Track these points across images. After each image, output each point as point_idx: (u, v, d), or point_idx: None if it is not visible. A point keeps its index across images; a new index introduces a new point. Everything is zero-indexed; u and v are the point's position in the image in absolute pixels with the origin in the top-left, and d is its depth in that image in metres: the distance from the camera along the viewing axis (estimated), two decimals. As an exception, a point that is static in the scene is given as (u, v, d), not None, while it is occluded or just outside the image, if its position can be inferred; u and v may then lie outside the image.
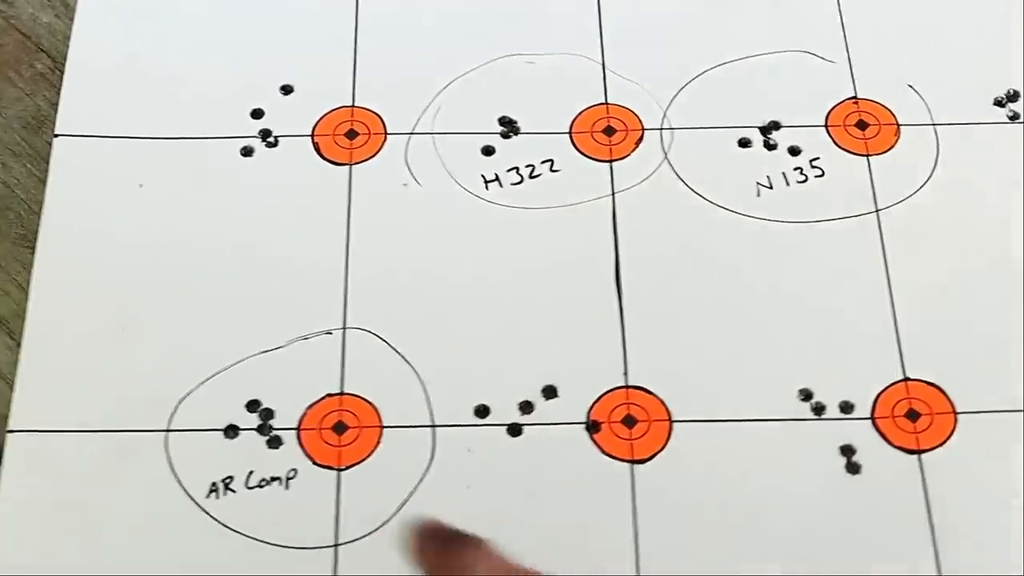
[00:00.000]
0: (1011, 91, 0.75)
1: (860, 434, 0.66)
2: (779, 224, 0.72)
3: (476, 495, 0.64)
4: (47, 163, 0.73)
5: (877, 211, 0.72)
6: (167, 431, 0.66)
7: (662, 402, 0.67)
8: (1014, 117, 0.75)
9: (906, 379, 0.67)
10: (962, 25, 0.78)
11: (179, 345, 0.68)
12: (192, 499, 0.64)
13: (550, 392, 0.67)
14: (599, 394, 0.67)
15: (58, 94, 0.75)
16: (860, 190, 0.73)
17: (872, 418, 0.66)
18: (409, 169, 0.73)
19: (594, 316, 0.69)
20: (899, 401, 0.67)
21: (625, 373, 0.67)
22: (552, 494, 0.65)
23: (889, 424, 0.66)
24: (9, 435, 0.65)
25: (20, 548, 0.63)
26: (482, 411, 0.66)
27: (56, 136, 0.73)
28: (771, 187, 0.73)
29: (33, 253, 0.70)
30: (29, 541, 0.63)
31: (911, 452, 0.66)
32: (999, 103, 0.75)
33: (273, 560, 0.63)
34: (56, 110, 0.74)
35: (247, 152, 0.73)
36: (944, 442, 0.66)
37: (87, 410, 0.66)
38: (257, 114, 0.74)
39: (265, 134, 0.74)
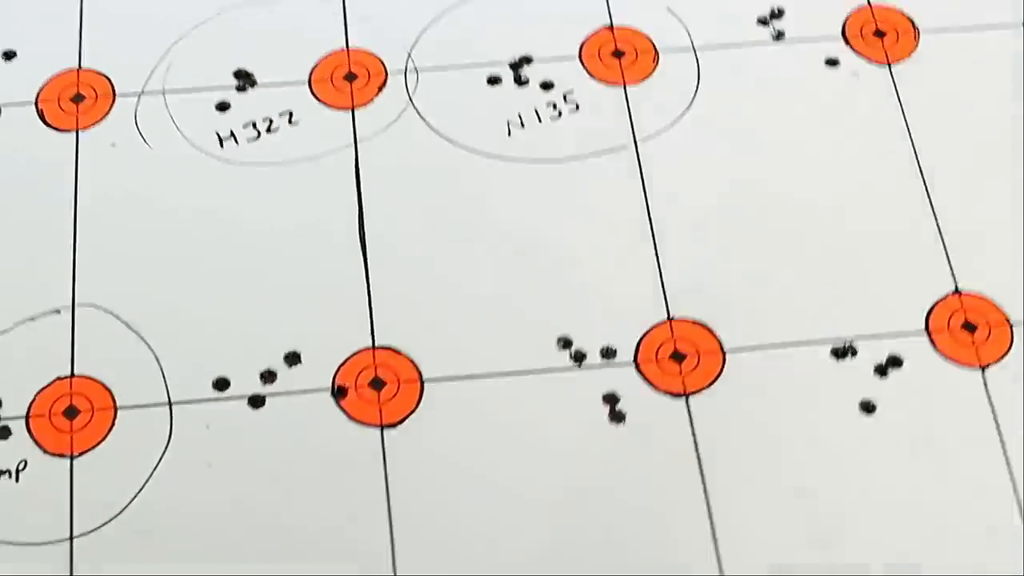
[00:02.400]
0: (775, 8, 0.72)
1: (624, 381, 0.63)
2: (532, 164, 0.68)
3: (218, 474, 0.61)
4: None
5: (635, 143, 0.69)
6: None
7: (412, 361, 0.63)
8: (779, 36, 0.72)
9: (670, 319, 0.64)
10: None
11: None
12: (-91, 502, 0.60)
13: (293, 359, 0.63)
14: (345, 357, 0.63)
15: None
16: (617, 123, 0.70)
17: (636, 363, 0.63)
18: (139, 131, 0.69)
19: (339, 273, 0.66)
20: (663, 343, 0.64)
21: (372, 332, 0.64)
22: (299, 467, 0.61)
23: (653, 368, 0.63)
24: None
25: None
26: (221, 384, 0.63)
27: None
28: (523, 125, 0.70)
29: None
30: None
31: (677, 396, 0.63)
32: (763, 21, 0.72)
33: (5, 558, 0.59)
34: None
35: (-35, 123, 0.69)
36: (712, 383, 0.63)
37: None
38: (-24, 82, 0.71)
39: (-15, 103, 0.70)
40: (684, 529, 0.60)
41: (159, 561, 0.59)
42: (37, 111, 0.70)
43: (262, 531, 0.59)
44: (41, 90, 0.70)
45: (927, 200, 0.68)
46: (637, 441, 0.62)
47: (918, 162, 0.69)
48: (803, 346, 0.64)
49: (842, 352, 0.63)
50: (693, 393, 0.63)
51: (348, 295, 0.65)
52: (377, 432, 0.62)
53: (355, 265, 0.66)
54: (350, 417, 0.62)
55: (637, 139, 0.69)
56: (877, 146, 0.69)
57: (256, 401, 0.62)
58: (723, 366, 0.63)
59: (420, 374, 0.63)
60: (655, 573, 0.59)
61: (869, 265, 0.66)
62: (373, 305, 0.65)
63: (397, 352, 0.63)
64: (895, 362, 0.63)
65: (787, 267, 0.66)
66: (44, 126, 0.69)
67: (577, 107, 0.70)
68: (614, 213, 0.67)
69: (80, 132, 0.69)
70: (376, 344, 0.64)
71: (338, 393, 0.63)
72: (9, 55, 0.71)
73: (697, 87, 0.71)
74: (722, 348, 0.64)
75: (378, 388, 0.63)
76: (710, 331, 0.64)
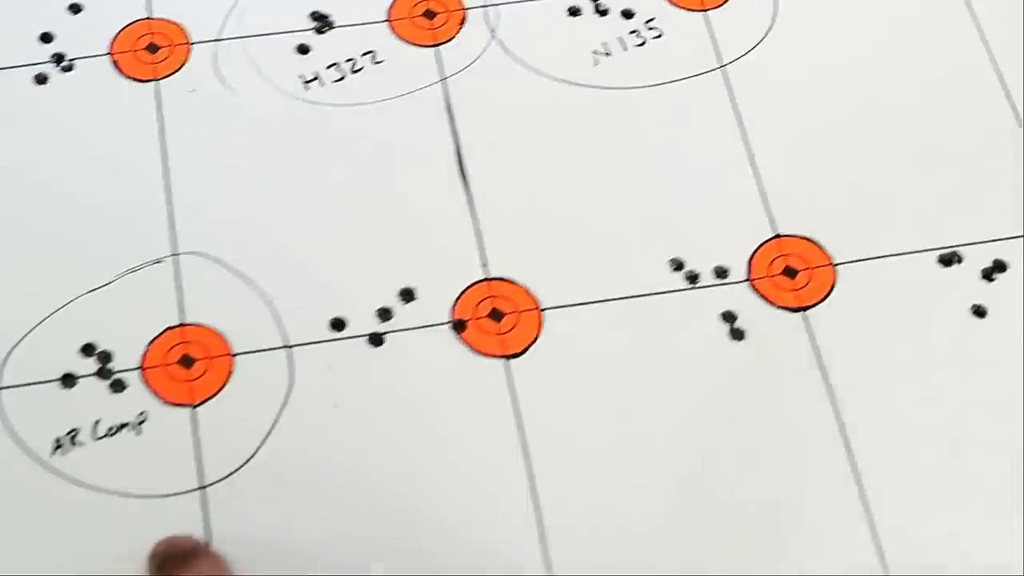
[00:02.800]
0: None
1: (739, 298, 0.63)
2: (622, 91, 0.68)
3: (345, 413, 0.60)
4: None
5: (723, 65, 0.69)
6: (-2, 389, 0.60)
7: (527, 291, 0.63)
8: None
9: (778, 236, 0.65)
10: None
11: (-5, 296, 0.63)
12: (37, 459, 0.59)
13: (408, 295, 0.63)
14: (460, 291, 0.63)
15: None
16: (702, 47, 0.70)
17: (749, 280, 0.64)
18: (220, 77, 0.68)
19: (443, 208, 0.65)
20: (775, 259, 0.64)
21: (484, 265, 0.63)
22: (427, 402, 0.60)
23: (767, 284, 0.63)
24: None
25: None
26: (338, 324, 0.62)
27: None
28: (609, 54, 0.69)
29: None
30: None
31: (794, 310, 0.63)
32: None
33: (137, 512, 0.58)
34: None
35: (41, 80, 0.68)
36: (826, 296, 0.63)
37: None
38: (47, 38, 0.69)
39: (58, 58, 0.68)
40: (815, 440, 0.60)
41: (293, 505, 0.58)
42: (112, 63, 0.68)
43: (395, 469, 0.59)
44: (113, 42, 0.69)
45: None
46: (759, 357, 0.62)
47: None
48: (910, 255, 0.64)
49: (948, 260, 0.64)
50: (809, 307, 0.63)
51: (455, 229, 0.65)
52: (501, 363, 0.61)
53: (459, 199, 0.65)
54: (473, 349, 0.62)
55: (724, 62, 0.69)
56: (964, 56, 0.71)
57: (376, 339, 0.62)
58: (835, 279, 0.64)
59: (537, 303, 0.63)
60: (789, 484, 0.59)
61: (967, 173, 0.67)
62: (483, 237, 0.64)
63: (512, 283, 0.63)
64: (1000, 267, 0.64)
65: (887, 179, 0.67)
66: (122, 77, 0.68)
67: (660, 34, 0.70)
68: (709, 136, 0.68)
69: (160, 81, 0.68)
70: (490, 276, 0.63)
71: (458, 327, 0.62)
72: (75, 8, 0.70)
73: (777, 5, 0.71)
74: (832, 261, 0.64)
75: (498, 319, 0.62)
76: (818, 246, 0.64)
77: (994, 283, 0.64)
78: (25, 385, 0.60)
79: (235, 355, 0.61)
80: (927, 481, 0.59)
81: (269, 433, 0.59)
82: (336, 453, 0.59)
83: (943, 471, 0.60)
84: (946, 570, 0.58)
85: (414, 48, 0.69)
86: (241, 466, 0.59)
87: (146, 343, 0.61)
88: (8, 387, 0.60)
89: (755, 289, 0.63)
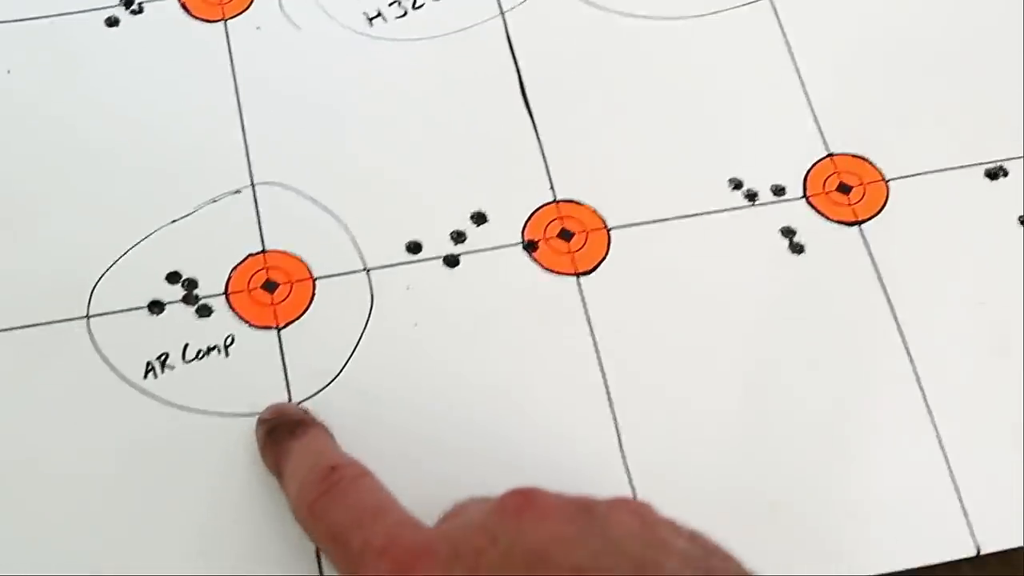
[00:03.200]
0: None
1: (797, 214, 0.65)
2: (676, 21, 0.71)
3: (425, 332, 0.62)
4: None
5: (769, -7, 0.72)
6: (87, 317, 0.62)
7: (595, 211, 0.65)
8: None
9: (830, 155, 0.67)
10: None
11: (80, 229, 0.64)
12: (130, 383, 0.60)
13: (480, 218, 0.65)
14: (529, 212, 0.65)
15: None
16: (748, -26, 0.72)
17: (805, 196, 0.66)
18: (286, 15, 0.70)
19: (508, 136, 0.67)
20: (829, 176, 0.66)
21: (551, 188, 0.66)
22: (503, 319, 0.63)
23: (823, 200, 0.66)
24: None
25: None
26: (414, 247, 0.64)
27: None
28: (660, -16, 0.72)
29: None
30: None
31: (851, 224, 0.65)
32: None
33: (230, 429, 0.59)
34: None
35: (112, 22, 0.69)
36: (880, 210, 0.66)
37: (-8, 310, 0.63)
38: (113, -18, 0.71)
39: (128, 2, 0.70)
40: (879, 347, 0.63)
41: (379, 421, 0.60)
42: (180, 4, 0.70)
43: (475, 383, 0.61)
44: (179, -16, 0.71)
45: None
46: (819, 269, 0.64)
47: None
48: (958, 170, 0.67)
49: (994, 174, 0.67)
50: (865, 221, 0.65)
51: (522, 155, 0.67)
52: (573, 280, 0.63)
53: (524, 126, 0.67)
54: (545, 268, 0.64)
55: (770, -11, 0.72)
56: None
57: (451, 260, 0.64)
58: (887, 193, 0.66)
59: (604, 222, 0.65)
60: (855, 388, 0.62)
61: (1012, 90, 0.69)
62: (548, 161, 0.66)
63: (579, 204, 0.65)
64: (1046, 180, 0.67)
65: (933, 96, 0.69)
66: (191, 18, 0.70)
67: (706, -38, 0.72)
68: (760, 61, 0.70)
69: (227, 21, 0.70)
70: (557, 198, 0.66)
71: (529, 247, 0.64)
72: (140, -47, 0.72)
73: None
74: (883, 177, 0.67)
75: (567, 238, 0.64)
76: (870, 163, 0.67)
77: (1040, 195, 0.67)
78: (113, 313, 0.62)
79: (316, 279, 0.63)
80: (982, 379, 0.62)
81: (352, 353, 0.61)
82: (418, 370, 0.61)
83: (996, 368, 0.62)
84: (1008, 463, 0.61)
85: (472, -16, 0.72)
86: (327, 385, 0.61)
87: (229, 269, 0.63)
88: (97, 315, 0.62)
89: (812, 205, 0.66)
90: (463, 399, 0.61)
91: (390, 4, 0.70)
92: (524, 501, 0.48)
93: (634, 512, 0.48)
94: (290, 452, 0.56)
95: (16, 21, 0.69)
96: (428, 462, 0.59)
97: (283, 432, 0.57)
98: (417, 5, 0.70)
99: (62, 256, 0.63)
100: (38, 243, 0.64)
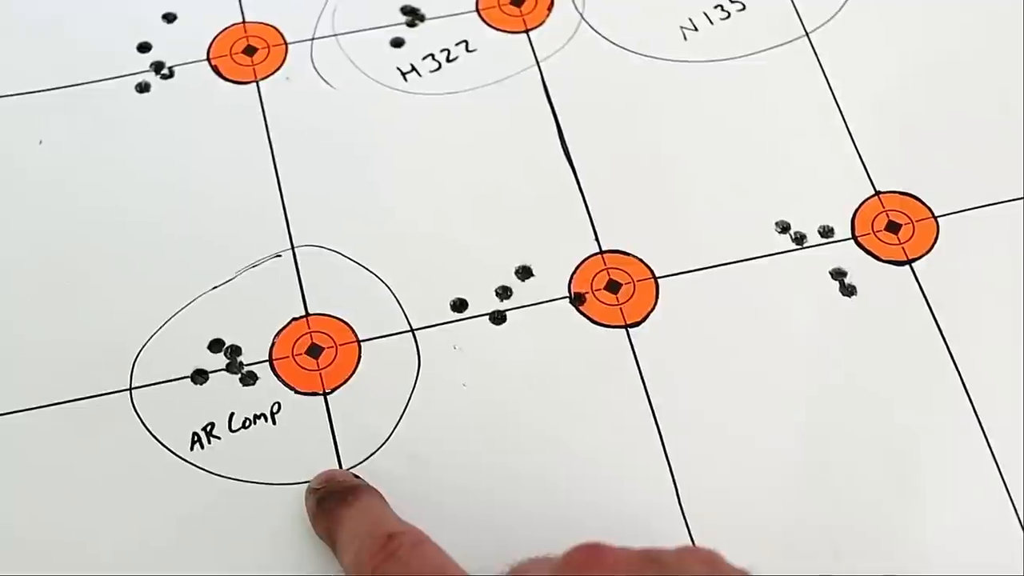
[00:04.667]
0: None
1: (847, 255, 0.64)
2: (713, 64, 0.70)
3: (474, 391, 0.61)
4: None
5: (807, 33, 0.70)
6: (130, 389, 0.61)
7: (642, 261, 0.64)
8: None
9: (877, 193, 0.66)
10: None
11: (119, 299, 0.63)
12: (176, 455, 0.59)
13: (525, 273, 0.64)
14: (576, 265, 0.64)
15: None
16: (785, 15, 0.71)
17: (854, 237, 0.65)
18: (319, 73, 0.69)
19: (550, 187, 0.66)
20: (877, 215, 0.65)
21: (596, 239, 0.65)
22: (552, 375, 0.62)
23: (872, 240, 0.65)
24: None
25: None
26: (459, 305, 0.63)
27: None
28: (696, 29, 0.71)
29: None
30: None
31: (901, 264, 0.64)
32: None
33: (280, 499, 0.58)
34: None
35: (143, 88, 0.69)
36: (931, 248, 0.65)
37: (36, 385, 0.61)
38: (144, 48, 0.70)
39: (158, 67, 0.69)
40: (936, 387, 0.61)
41: (431, 481, 0.59)
42: (211, 67, 0.69)
43: (528, 441, 0.60)
44: (210, 47, 0.70)
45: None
46: (872, 311, 0.63)
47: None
48: (1006, 204, 0.66)
49: (1049, 206, 0.66)
50: (916, 259, 0.64)
51: (564, 206, 0.66)
52: (622, 332, 0.63)
53: (565, 177, 0.66)
54: (593, 321, 0.63)
55: (808, 29, 0.71)
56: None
57: (497, 318, 0.63)
58: (937, 231, 0.65)
59: (652, 272, 0.64)
60: (913, 428, 0.61)
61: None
62: (592, 212, 0.65)
63: (626, 254, 0.64)
64: (1094, 211, 0.66)
65: (976, 130, 0.68)
66: (222, 80, 0.69)
67: (744, 6, 0.71)
68: (801, 101, 0.69)
69: (260, 81, 0.69)
70: (603, 249, 0.65)
71: (576, 300, 0.63)
72: (169, 18, 0.71)
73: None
74: (932, 214, 0.65)
75: (615, 290, 0.63)
76: (918, 200, 0.66)
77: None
78: (157, 384, 0.61)
79: (361, 341, 0.62)
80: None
81: (403, 414, 0.60)
82: (468, 429, 0.60)
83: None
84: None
85: (505, 35, 0.71)
86: (377, 449, 0.60)
87: (273, 335, 0.62)
88: (140, 386, 0.61)
89: (861, 245, 0.65)
90: (515, 457, 0.60)
91: (423, 58, 0.70)
92: (590, 556, 0.47)
93: (704, 561, 0.48)
94: (343, 520, 0.55)
95: (45, 91, 0.69)
96: (484, 522, 0.58)
97: (335, 500, 0.56)
98: (451, 58, 0.70)
99: (102, 328, 0.63)
100: (78, 314, 0.63)
